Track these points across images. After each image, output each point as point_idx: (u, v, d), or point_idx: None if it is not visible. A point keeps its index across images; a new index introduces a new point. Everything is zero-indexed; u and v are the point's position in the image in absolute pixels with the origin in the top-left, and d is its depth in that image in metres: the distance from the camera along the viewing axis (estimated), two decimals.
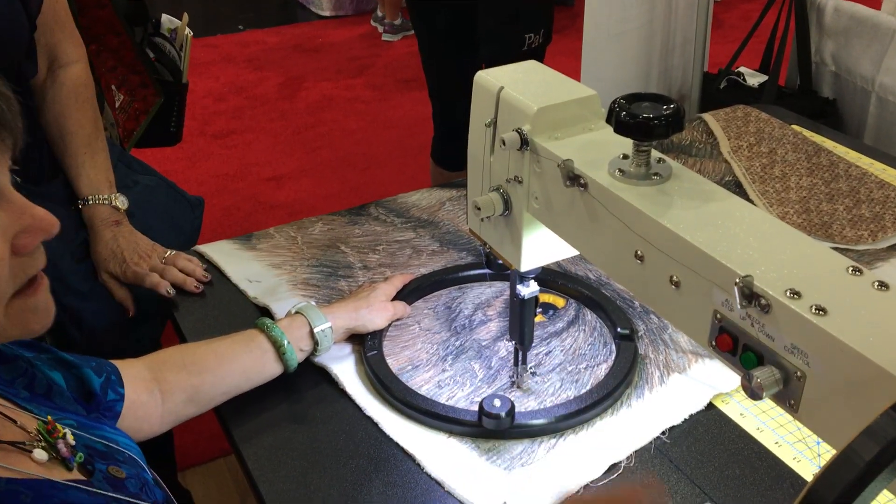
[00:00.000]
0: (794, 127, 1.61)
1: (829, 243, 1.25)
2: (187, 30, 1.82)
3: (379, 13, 4.89)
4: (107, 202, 1.26)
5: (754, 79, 2.13)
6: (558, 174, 0.73)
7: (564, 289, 1.16)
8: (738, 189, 1.42)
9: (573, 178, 0.71)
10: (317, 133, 3.66)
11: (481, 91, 0.83)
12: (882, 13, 1.79)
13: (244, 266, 1.25)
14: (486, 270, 1.18)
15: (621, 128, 0.68)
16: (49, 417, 0.70)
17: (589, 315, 1.13)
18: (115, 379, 0.87)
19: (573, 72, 0.85)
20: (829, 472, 0.44)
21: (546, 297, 1.16)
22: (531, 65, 0.85)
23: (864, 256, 1.24)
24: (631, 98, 0.69)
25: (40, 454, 0.65)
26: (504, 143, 0.77)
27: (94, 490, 0.66)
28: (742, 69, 2.19)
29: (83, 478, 0.67)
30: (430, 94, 2.21)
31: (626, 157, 0.71)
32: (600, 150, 0.73)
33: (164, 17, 1.86)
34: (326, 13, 5.16)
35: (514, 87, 0.80)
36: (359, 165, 3.40)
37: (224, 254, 1.28)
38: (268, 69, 4.37)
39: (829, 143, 1.54)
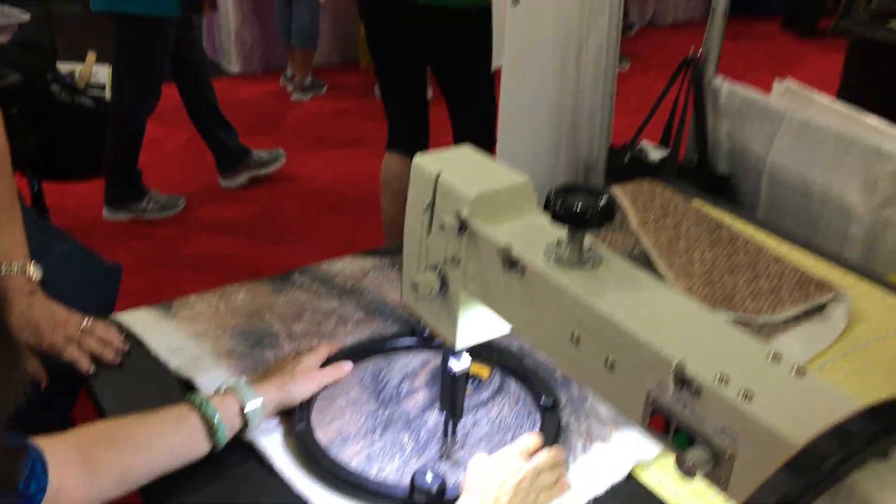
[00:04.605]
0: (696, 201, 1.71)
1: (732, 314, 1.33)
2: (95, 68, 2.11)
3: (289, 72, 4.91)
4: (21, 273, 1.22)
5: (655, 153, 2.24)
6: (496, 257, 0.76)
7: (489, 360, 1.19)
8: (647, 261, 1.49)
9: (512, 264, 0.75)
10: None
11: (419, 175, 0.86)
12: (772, 98, 1.94)
13: (165, 335, 1.22)
14: (414, 338, 1.20)
15: (558, 217, 0.72)
16: None
17: (513, 385, 1.16)
18: (40, 468, 0.83)
19: None
20: None
21: (471, 368, 1.18)
22: (465, 151, 0.89)
23: (764, 328, 1.32)
24: (564, 190, 0.74)
25: None
26: (443, 227, 0.80)
27: None
28: (643, 144, 2.31)
29: None
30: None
31: (560, 243, 0.76)
32: (536, 235, 0.77)
33: (59, 66, 2.26)
34: (235, 70, 5.15)
35: (450, 172, 0.83)
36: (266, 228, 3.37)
37: (143, 323, 1.25)
38: (175, 125, 4.30)
39: (727, 219, 1.65)
